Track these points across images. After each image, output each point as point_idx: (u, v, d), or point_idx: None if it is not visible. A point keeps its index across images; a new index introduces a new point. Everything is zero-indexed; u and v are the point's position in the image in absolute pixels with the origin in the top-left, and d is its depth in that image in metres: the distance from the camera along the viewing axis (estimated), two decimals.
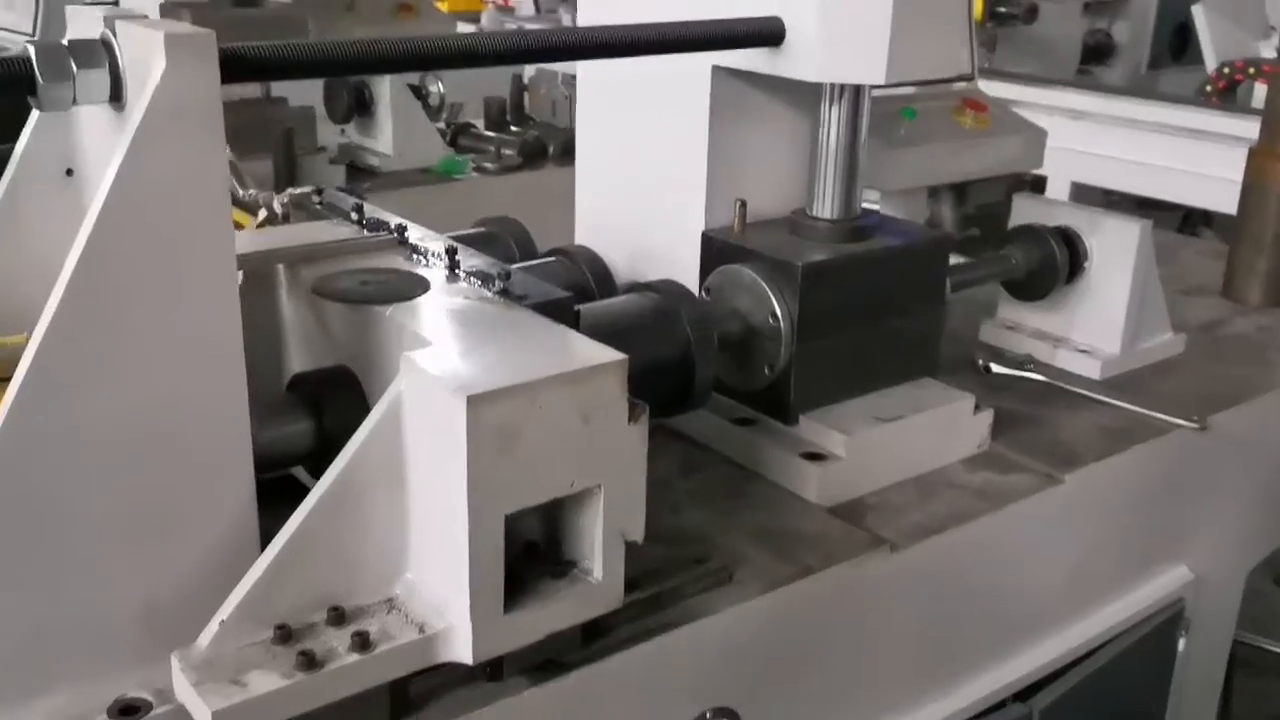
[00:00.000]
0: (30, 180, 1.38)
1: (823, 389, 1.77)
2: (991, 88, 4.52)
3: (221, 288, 1.17)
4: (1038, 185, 4.58)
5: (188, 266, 1.14)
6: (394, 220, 1.62)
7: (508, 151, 3.83)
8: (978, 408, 1.87)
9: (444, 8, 6.39)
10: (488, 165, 3.76)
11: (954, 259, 1.97)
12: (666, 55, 1.62)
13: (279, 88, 3.58)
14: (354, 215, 1.66)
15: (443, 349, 1.23)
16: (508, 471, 1.15)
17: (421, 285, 1.43)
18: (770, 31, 1.63)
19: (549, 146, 3.93)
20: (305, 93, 3.59)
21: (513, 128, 4.09)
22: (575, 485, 1.21)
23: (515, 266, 1.70)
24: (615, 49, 1.55)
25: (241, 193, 2.19)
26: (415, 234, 1.60)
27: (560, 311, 1.39)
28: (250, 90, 3.47)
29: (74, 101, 1.16)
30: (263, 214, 1.88)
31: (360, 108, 3.61)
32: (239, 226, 1.91)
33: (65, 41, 1.16)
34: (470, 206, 3.48)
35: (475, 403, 1.11)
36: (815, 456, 1.71)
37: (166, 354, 1.14)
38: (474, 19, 6.55)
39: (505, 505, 1.17)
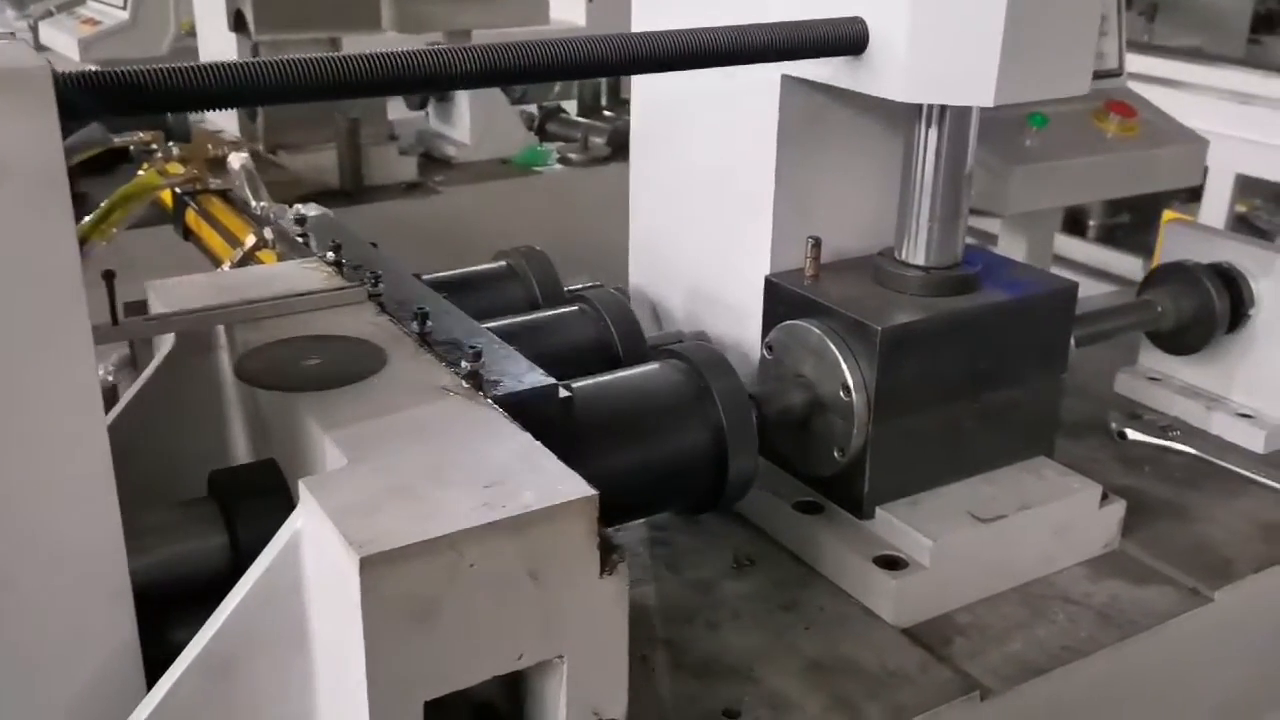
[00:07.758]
0: None
1: (906, 477, 1.42)
2: (1148, 64, 4.00)
3: (73, 396, 0.89)
4: None
5: (24, 371, 0.86)
6: (371, 267, 1.33)
7: (596, 140, 3.49)
8: (1105, 497, 1.49)
9: None
10: (573, 156, 3.44)
11: (1083, 293, 1.57)
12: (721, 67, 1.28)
13: None
14: (331, 255, 1.38)
15: (355, 473, 0.93)
16: (424, 649, 0.86)
17: (375, 361, 1.13)
18: (848, 36, 1.26)
19: None
20: None
21: (606, 113, 3.77)
22: (525, 658, 0.91)
23: (511, 322, 1.42)
24: (634, 65, 1.22)
25: (254, 204, 1.95)
26: (392, 286, 1.30)
27: (539, 404, 1.08)
28: None
29: None
30: (251, 241, 1.62)
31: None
32: (219, 263, 1.67)
33: None
34: (547, 204, 3.19)
35: (374, 566, 0.81)
36: (892, 563, 1.37)
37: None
38: None
39: (423, 690, 0.88)
